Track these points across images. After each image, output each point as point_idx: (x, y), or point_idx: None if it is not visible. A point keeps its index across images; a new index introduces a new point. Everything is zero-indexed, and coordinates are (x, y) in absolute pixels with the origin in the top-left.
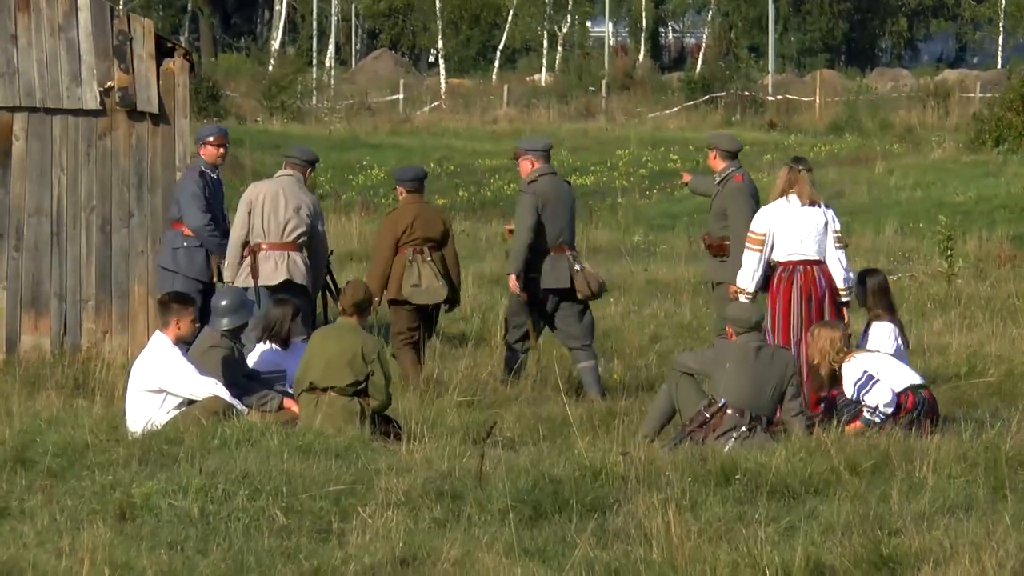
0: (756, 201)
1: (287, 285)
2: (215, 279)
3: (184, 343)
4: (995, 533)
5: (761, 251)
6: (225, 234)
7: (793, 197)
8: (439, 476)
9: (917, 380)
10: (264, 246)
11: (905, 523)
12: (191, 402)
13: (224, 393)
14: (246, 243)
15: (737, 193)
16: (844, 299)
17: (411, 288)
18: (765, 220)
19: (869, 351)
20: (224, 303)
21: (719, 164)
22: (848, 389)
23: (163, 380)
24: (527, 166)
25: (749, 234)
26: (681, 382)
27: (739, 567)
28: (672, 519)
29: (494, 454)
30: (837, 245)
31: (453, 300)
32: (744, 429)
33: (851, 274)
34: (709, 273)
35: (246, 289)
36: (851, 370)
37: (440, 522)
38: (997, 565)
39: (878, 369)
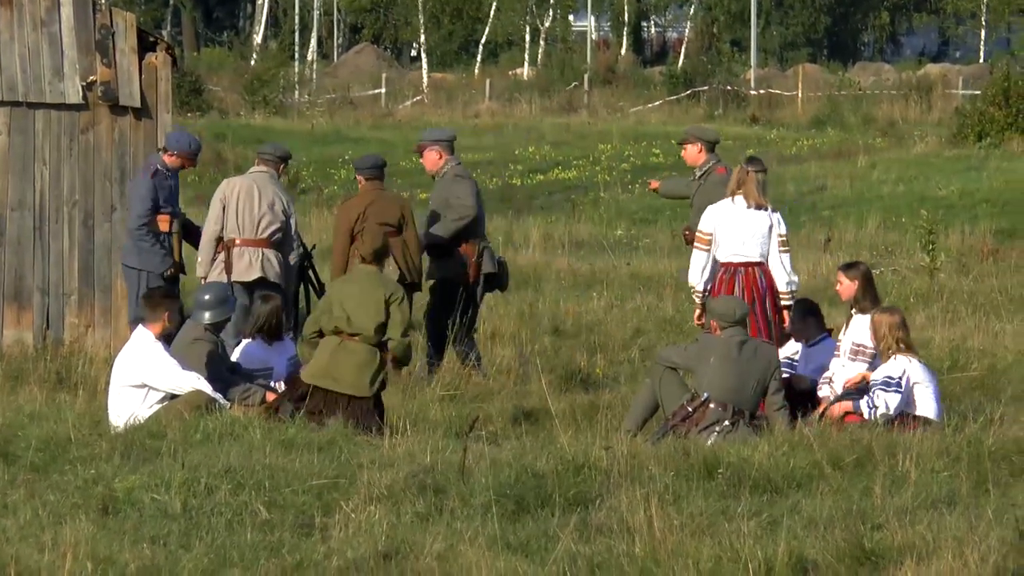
0: None
1: (261, 282)
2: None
3: (166, 338)
4: (978, 528)
5: (708, 250)
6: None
7: (739, 198)
8: (422, 470)
9: (933, 417)
10: (238, 242)
11: (888, 517)
12: (173, 397)
13: (207, 387)
14: (219, 239)
15: (720, 185)
16: (786, 303)
17: None
18: (711, 220)
19: (922, 365)
20: (207, 297)
21: (701, 157)
22: (879, 375)
23: (146, 375)
24: (434, 157)
25: (697, 233)
26: (664, 376)
27: (722, 561)
28: (655, 513)
29: (477, 448)
30: (782, 249)
31: (413, 284)
32: (727, 423)
33: (795, 279)
34: None
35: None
36: (894, 367)
37: (423, 516)
38: (980, 559)
39: (915, 383)
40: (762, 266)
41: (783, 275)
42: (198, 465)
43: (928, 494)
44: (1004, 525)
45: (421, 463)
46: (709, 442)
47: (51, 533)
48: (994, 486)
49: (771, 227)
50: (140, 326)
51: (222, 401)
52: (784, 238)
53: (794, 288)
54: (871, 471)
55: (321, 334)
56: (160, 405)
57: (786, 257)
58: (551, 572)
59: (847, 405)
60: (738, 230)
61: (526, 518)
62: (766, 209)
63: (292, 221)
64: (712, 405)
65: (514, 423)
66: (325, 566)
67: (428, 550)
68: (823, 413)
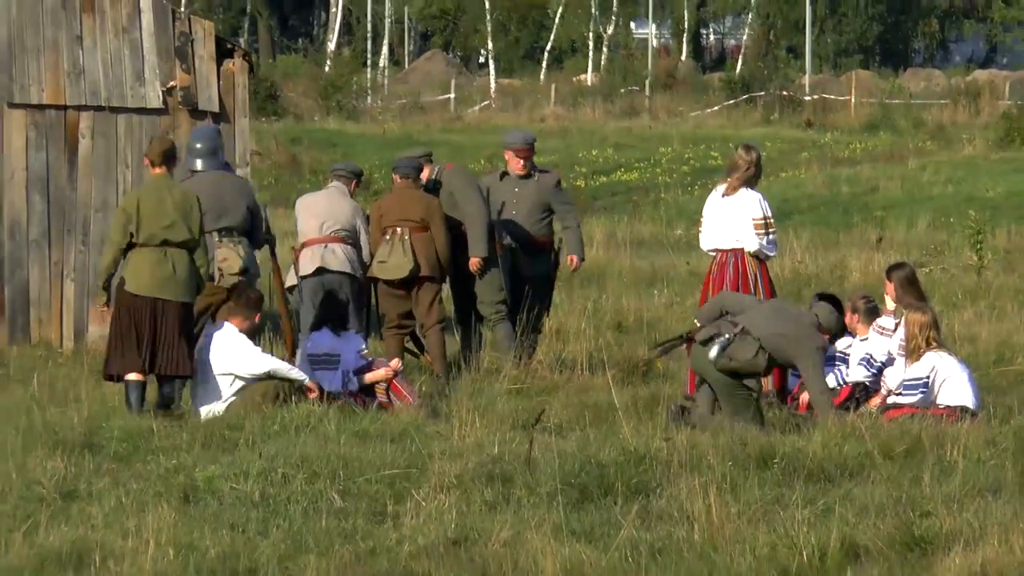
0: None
1: (324, 272)
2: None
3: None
4: (1022, 515)
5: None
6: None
7: (722, 186)
8: (490, 460)
9: (970, 406)
10: (304, 243)
11: (936, 505)
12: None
13: (284, 368)
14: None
15: None
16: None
17: (377, 264)
18: (705, 205)
19: (953, 357)
20: (199, 145)
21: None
22: (909, 374)
23: (233, 364)
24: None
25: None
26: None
27: (777, 547)
28: (713, 501)
29: (542, 439)
30: (757, 232)
31: (434, 278)
32: (726, 336)
33: (765, 240)
34: None
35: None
36: (922, 367)
37: (491, 504)
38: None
39: (946, 377)
40: (737, 252)
41: (754, 245)
42: (275, 455)
43: (975, 483)
44: None
45: (489, 453)
46: (711, 354)
47: (135, 520)
48: None
49: (744, 212)
50: (225, 321)
51: (299, 376)
52: (759, 221)
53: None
54: (920, 460)
55: None
56: (236, 396)
57: (764, 239)
58: (614, 558)
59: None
60: (716, 217)
61: (590, 506)
62: (746, 190)
63: (362, 227)
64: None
65: (578, 415)
66: (397, 552)
67: (496, 537)
68: (882, 407)
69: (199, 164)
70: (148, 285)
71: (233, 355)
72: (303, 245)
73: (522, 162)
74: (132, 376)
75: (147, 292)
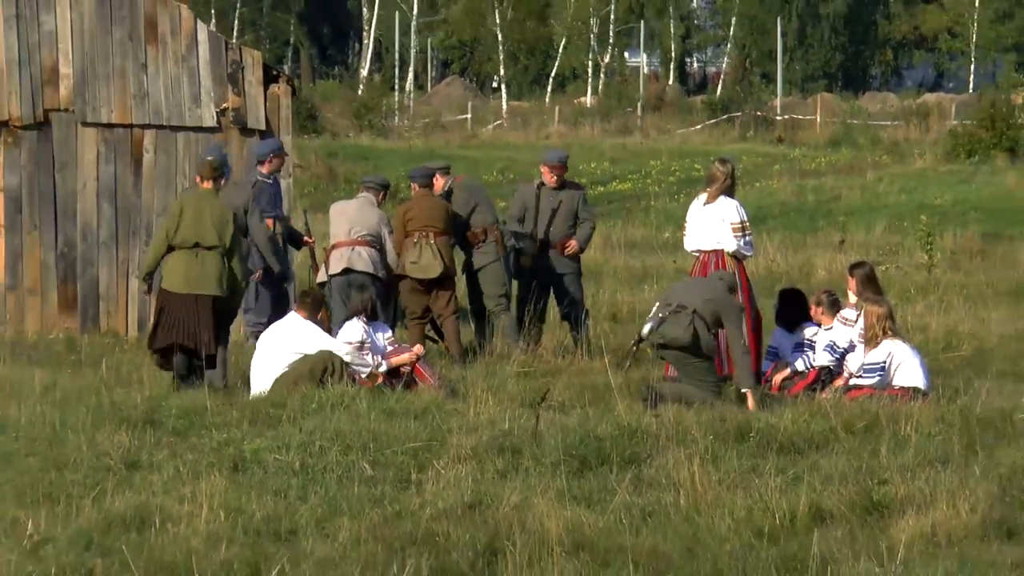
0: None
1: (350, 273)
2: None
3: None
4: (967, 483)
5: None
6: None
7: (703, 195)
8: (501, 434)
9: (921, 387)
10: (334, 244)
11: (892, 474)
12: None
13: (340, 349)
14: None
15: None
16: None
17: (410, 264)
18: (689, 212)
19: (907, 344)
20: (209, 159)
21: None
22: (863, 361)
23: (303, 343)
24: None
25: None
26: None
27: (753, 511)
28: (696, 470)
29: (547, 416)
30: (735, 235)
31: (453, 275)
32: (659, 316)
33: (742, 241)
34: None
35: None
36: (879, 353)
37: (502, 473)
38: (969, 509)
39: (901, 362)
40: (718, 253)
41: (732, 246)
42: (313, 430)
43: (926, 454)
44: (990, 481)
45: (501, 428)
46: (645, 329)
47: (190, 487)
48: (981, 448)
49: (722, 218)
50: (293, 312)
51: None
52: (737, 224)
53: (739, 250)
54: (878, 435)
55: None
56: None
57: (742, 240)
58: (609, 520)
59: (785, 371)
60: (696, 223)
61: (588, 475)
62: (725, 197)
63: (386, 234)
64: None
65: (579, 395)
66: (420, 515)
67: (506, 501)
68: (843, 388)
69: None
70: (181, 283)
71: (301, 336)
72: (333, 247)
73: (555, 176)
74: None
75: (180, 289)
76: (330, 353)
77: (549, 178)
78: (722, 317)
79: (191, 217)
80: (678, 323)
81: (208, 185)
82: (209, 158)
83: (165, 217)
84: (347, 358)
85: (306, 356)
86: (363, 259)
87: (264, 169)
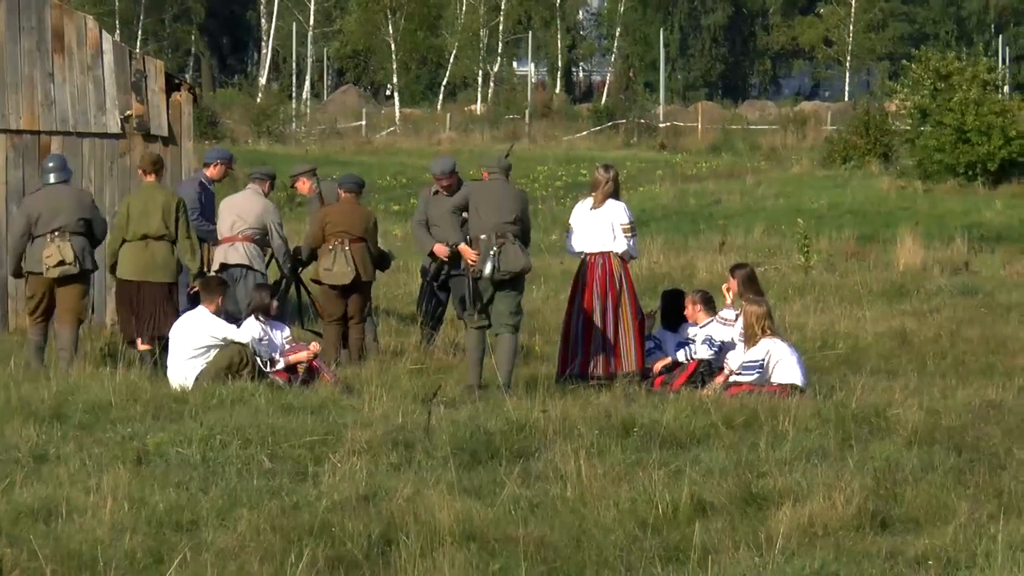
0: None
1: (228, 267)
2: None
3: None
4: (843, 475)
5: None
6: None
7: (589, 200)
8: (395, 429)
9: (799, 383)
10: (220, 240)
11: (771, 467)
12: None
13: (245, 338)
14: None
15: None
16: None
17: (323, 271)
18: (573, 215)
19: (785, 343)
20: (51, 164)
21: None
22: (747, 357)
23: (210, 334)
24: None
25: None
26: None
27: (637, 503)
28: (583, 464)
29: (439, 411)
30: (626, 235)
31: (368, 281)
32: (495, 249)
33: (631, 243)
34: None
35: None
36: (758, 350)
37: (395, 466)
38: (845, 501)
39: (779, 360)
40: (605, 255)
41: (623, 247)
42: (214, 424)
43: (803, 449)
44: (864, 474)
45: (394, 423)
46: (485, 270)
47: (95, 479)
48: (856, 442)
49: (611, 222)
50: (200, 306)
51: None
52: (626, 225)
53: (627, 252)
54: (757, 430)
55: None
56: (205, 364)
57: (631, 241)
58: (499, 511)
59: (667, 360)
60: (585, 225)
61: (479, 468)
62: (613, 201)
63: (272, 224)
64: (482, 237)
65: (469, 391)
66: (316, 506)
67: (400, 493)
68: (723, 384)
69: (51, 178)
70: (132, 271)
71: (208, 329)
72: (217, 243)
73: (444, 186)
74: (141, 347)
75: (131, 276)
76: (241, 346)
77: (440, 188)
78: (524, 217)
79: (138, 212)
80: (515, 254)
81: (151, 178)
82: (148, 151)
83: (116, 216)
84: (252, 345)
85: (221, 351)
86: (239, 253)
87: (210, 172)
